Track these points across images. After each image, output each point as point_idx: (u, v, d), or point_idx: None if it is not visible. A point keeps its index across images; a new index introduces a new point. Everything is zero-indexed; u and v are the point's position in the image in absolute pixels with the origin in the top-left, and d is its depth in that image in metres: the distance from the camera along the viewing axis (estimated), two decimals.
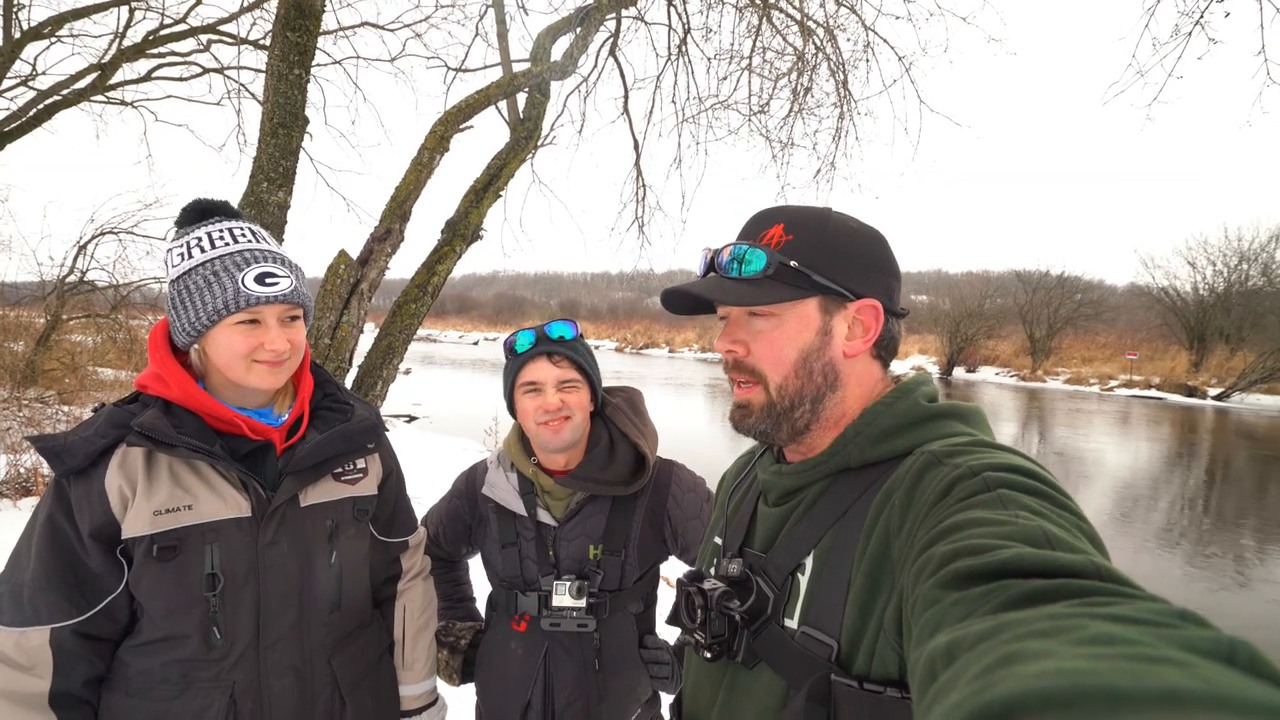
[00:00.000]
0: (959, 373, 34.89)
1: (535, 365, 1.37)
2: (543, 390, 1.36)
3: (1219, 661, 0.30)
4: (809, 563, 0.74)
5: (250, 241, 1.11)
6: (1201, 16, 3.51)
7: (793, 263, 0.76)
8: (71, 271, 10.87)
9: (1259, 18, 3.42)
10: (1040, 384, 31.17)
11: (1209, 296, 31.94)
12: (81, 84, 8.45)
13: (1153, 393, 27.27)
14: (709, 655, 0.79)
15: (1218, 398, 26.30)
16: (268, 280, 1.07)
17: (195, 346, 1.11)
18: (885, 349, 0.81)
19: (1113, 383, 29.46)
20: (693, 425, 14.96)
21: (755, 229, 0.81)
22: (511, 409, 1.44)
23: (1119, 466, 12.58)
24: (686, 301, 0.83)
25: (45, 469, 5.67)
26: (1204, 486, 11.51)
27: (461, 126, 3.67)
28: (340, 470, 1.22)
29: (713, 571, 0.86)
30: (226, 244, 1.09)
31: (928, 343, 37.64)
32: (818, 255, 0.76)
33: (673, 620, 0.85)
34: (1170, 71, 3.66)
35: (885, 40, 5.69)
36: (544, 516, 1.42)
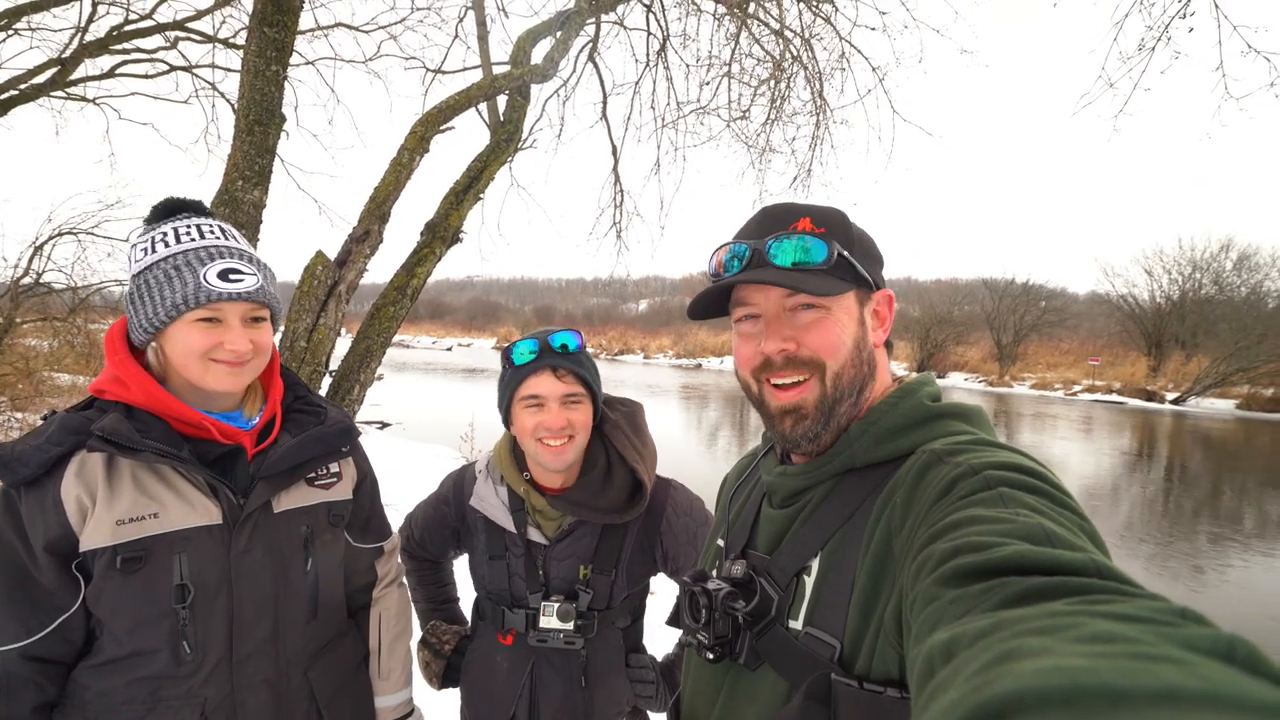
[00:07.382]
0: None
1: (537, 379, 1.28)
2: (545, 406, 1.28)
3: (1218, 660, 0.30)
4: (815, 564, 0.73)
5: (218, 238, 1.06)
6: (1165, 30, 3.65)
7: (845, 253, 0.76)
8: (26, 273, 10.44)
9: (1217, 34, 3.57)
10: (1007, 389, 31.91)
11: (1165, 304, 33.13)
12: (40, 79, 8.14)
13: (1114, 397, 28.13)
14: (711, 656, 0.78)
15: (1175, 401, 27.24)
16: (231, 276, 1.02)
17: (153, 345, 1.06)
18: (888, 342, 0.85)
19: (1076, 387, 30.31)
20: (667, 431, 14.99)
21: (778, 223, 0.78)
22: (507, 422, 1.37)
23: (1083, 467, 12.93)
24: (707, 305, 0.82)
25: None
26: (1162, 488, 11.88)
27: (442, 127, 3.61)
28: (314, 475, 1.18)
29: (715, 573, 0.84)
30: (192, 239, 1.04)
31: (898, 349, 37.53)
32: (853, 248, 0.78)
33: (673, 621, 0.83)
34: (1136, 83, 3.80)
35: (860, 51, 5.78)
36: (535, 535, 1.37)
